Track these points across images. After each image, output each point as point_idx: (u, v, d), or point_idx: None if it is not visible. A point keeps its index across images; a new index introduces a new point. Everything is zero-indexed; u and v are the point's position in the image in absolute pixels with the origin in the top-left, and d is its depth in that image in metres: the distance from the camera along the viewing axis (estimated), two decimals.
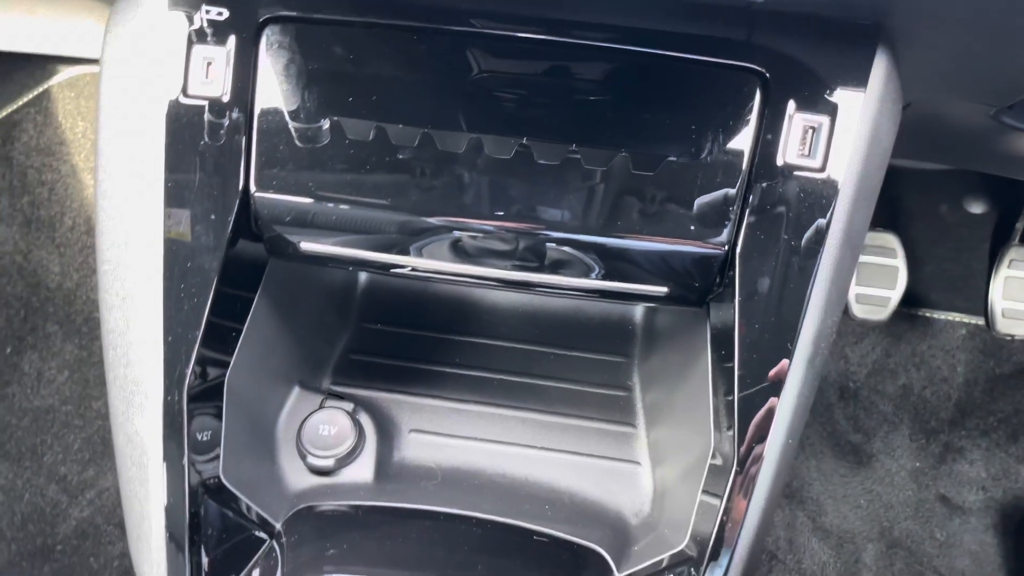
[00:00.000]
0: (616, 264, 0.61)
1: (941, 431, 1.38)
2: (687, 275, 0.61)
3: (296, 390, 0.77)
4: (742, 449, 0.60)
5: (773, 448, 0.60)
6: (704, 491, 0.63)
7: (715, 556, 0.60)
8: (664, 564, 0.62)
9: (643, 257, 0.61)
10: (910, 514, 1.32)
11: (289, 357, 0.76)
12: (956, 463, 1.35)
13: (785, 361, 0.59)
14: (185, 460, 0.60)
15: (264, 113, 0.62)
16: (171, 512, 0.60)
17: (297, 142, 0.62)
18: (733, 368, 0.60)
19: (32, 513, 1.27)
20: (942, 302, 1.41)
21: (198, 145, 0.62)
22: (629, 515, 0.73)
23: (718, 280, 0.62)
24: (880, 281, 1.20)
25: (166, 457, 0.60)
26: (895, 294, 1.20)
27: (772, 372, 0.59)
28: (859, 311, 1.21)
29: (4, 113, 1.48)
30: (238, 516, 0.64)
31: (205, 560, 0.62)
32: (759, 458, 0.60)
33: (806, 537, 1.30)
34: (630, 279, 0.62)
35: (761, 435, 0.60)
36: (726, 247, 0.60)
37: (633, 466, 0.76)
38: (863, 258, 1.21)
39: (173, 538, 0.60)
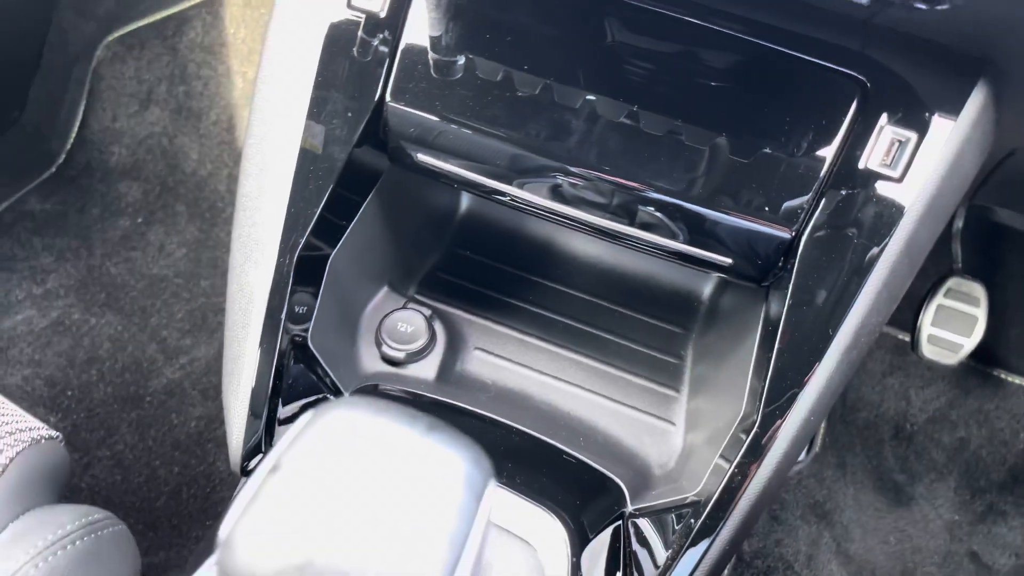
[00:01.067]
0: (694, 230, 0.67)
1: (988, 491, 1.37)
2: (753, 251, 0.67)
3: (385, 289, 0.86)
4: (760, 422, 0.65)
5: (790, 427, 0.65)
6: (721, 455, 0.69)
7: (718, 507, 0.65)
8: (670, 506, 0.69)
9: (718, 228, 0.66)
10: (937, 562, 1.32)
11: (385, 259, 0.85)
12: (996, 525, 1.34)
13: (822, 346, 0.64)
14: (283, 314, 0.69)
15: (411, 35, 0.71)
16: (263, 355, 0.70)
17: (433, 66, 0.71)
18: (775, 347, 0.66)
19: (131, 364, 1.42)
20: (1020, 367, 1.40)
21: (350, 51, 0.71)
22: (654, 466, 0.79)
23: (780, 263, 0.67)
24: (956, 327, 1.21)
25: (269, 307, 0.69)
26: (969, 343, 1.20)
27: (808, 355, 0.64)
28: (928, 351, 1.22)
29: (179, 8, 1.63)
30: (315, 377, 0.73)
31: (281, 404, 0.71)
32: (774, 435, 0.65)
33: (827, 558, 1.33)
34: (703, 246, 0.68)
35: (782, 412, 0.65)
36: (793, 233, 0.65)
37: (668, 425, 0.82)
38: (943, 300, 1.21)
39: (260, 377, 0.70)
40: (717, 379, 0.82)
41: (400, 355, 0.79)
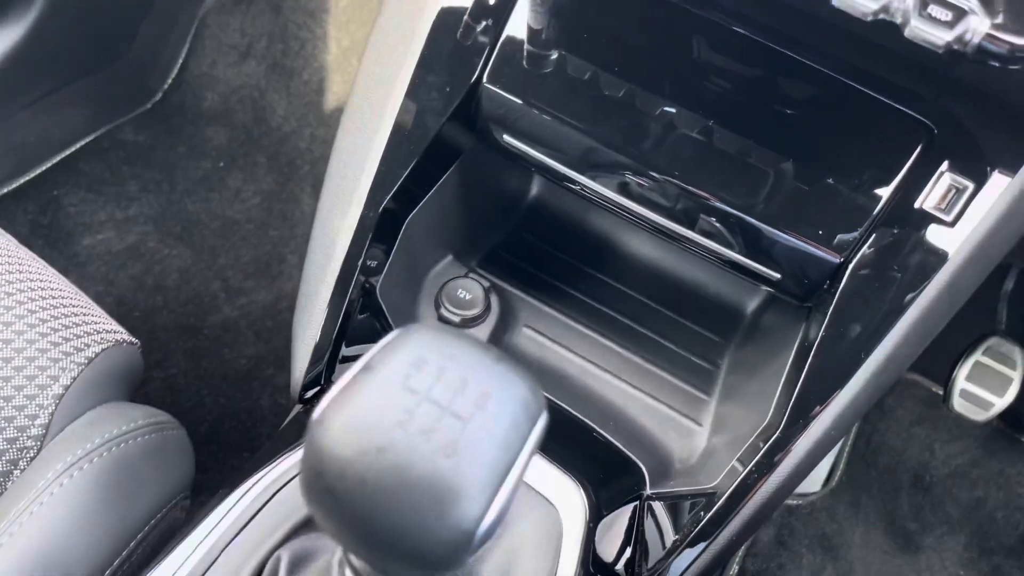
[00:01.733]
0: (750, 242, 0.72)
1: (997, 552, 1.39)
2: (801, 271, 0.71)
3: (449, 258, 0.92)
4: (783, 429, 0.69)
5: (808, 439, 0.69)
6: (739, 458, 0.73)
7: (730, 501, 0.70)
8: (686, 494, 0.73)
9: (773, 244, 0.71)
10: None
11: (453, 230, 0.91)
12: None
13: (852, 368, 0.68)
14: (360, 263, 0.76)
15: (513, 26, 0.76)
16: (336, 296, 0.76)
17: (529, 57, 0.76)
18: (805, 368, 0.70)
19: (194, 297, 1.50)
20: None
21: (455, 33, 0.77)
22: (676, 460, 0.84)
23: (826, 285, 0.71)
24: (990, 385, 1.23)
25: (348, 254, 0.76)
26: (1000, 403, 1.22)
27: (837, 374, 0.68)
28: (959, 405, 1.24)
29: None
30: (378, 326, 0.79)
31: (344, 344, 0.77)
32: (793, 444, 0.69)
33: None
34: (757, 259, 0.72)
35: (805, 424, 0.69)
36: (842, 259, 0.69)
37: (694, 425, 0.86)
38: (981, 357, 1.23)
39: (330, 317, 0.76)
40: (747, 389, 0.86)
41: (456, 319, 0.85)
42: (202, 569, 0.58)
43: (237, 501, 0.63)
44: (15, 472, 0.72)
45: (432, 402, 0.37)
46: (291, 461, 0.66)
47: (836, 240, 0.70)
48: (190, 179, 1.61)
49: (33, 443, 0.72)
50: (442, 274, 0.90)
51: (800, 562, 1.36)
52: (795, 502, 1.39)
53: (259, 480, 0.65)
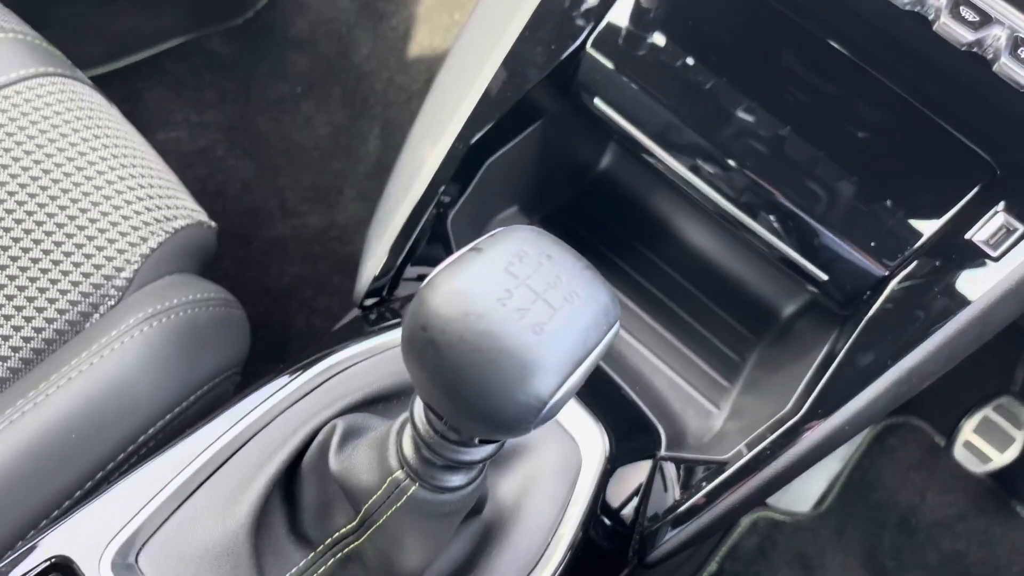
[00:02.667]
0: (805, 240, 0.77)
1: None
2: (848, 275, 0.76)
3: (515, 208, 0.97)
4: (800, 417, 0.74)
5: (821, 431, 0.74)
6: (747, 443, 0.78)
7: (738, 472, 0.75)
8: (698, 460, 0.78)
9: (827, 246, 0.75)
10: None
11: (525, 184, 0.96)
12: None
13: (876, 373, 0.72)
14: (441, 189, 0.81)
15: (623, 2, 0.81)
16: (412, 218, 0.81)
17: (630, 33, 0.81)
18: (827, 373, 0.75)
19: (251, 208, 1.56)
20: None
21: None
22: (690, 436, 0.89)
23: (866, 295, 0.76)
24: (993, 440, 1.27)
25: (432, 181, 0.81)
26: (999, 459, 1.26)
27: (861, 375, 0.73)
28: (959, 454, 1.28)
29: None
30: (444, 253, 0.85)
31: (409, 264, 0.83)
32: (806, 432, 0.74)
33: None
34: (808, 256, 0.77)
35: (823, 415, 0.74)
36: (887, 272, 0.74)
37: (713, 408, 0.91)
38: (990, 412, 1.27)
39: (402, 235, 0.81)
40: (769, 384, 0.91)
41: None
42: (258, 428, 0.64)
43: (295, 377, 0.69)
44: (95, 315, 0.78)
45: (528, 288, 0.42)
46: (349, 351, 0.71)
47: (885, 254, 0.74)
48: (266, 98, 1.67)
49: (116, 292, 0.78)
50: (505, 221, 0.95)
51: (776, 574, 1.41)
52: (783, 518, 1.43)
53: (317, 361, 0.70)
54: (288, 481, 0.64)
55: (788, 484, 1.37)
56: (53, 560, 0.55)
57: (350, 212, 1.59)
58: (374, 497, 0.55)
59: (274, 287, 1.50)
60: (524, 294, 0.42)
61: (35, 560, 0.55)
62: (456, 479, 0.53)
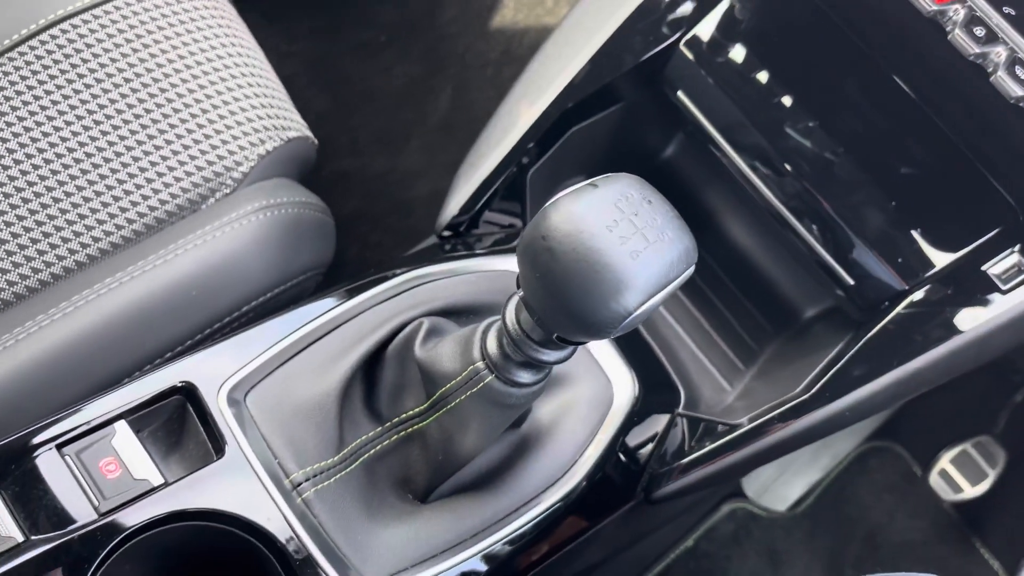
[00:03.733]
0: (840, 246, 0.87)
1: None
2: (872, 284, 0.86)
3: (583, 177, 1.07)
4: (809, 398, 0.84)
5: (824, 412, 0.83)
6: (756, 413, 0.89)
7: (743, 437, 0.85)
8: (711, 419, 0.89)
9: (858, 255, 0.86)
10: None
11: (594, 159, 1.06)
12: None
13: (883, 370, 0.82)
14: (532, 145, 0.91)
15: (719, 10, 0.91)
16: (499, 168, 0.91)
17: (719, 41, 0.92)
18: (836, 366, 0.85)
19: (322, 140, 1.64)
20: (992, 545, 1.54)
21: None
22: (703, 404, 0.99)
23: (884, 306, 0.86)
24: (967, 473, 1.37)
25: (523, 136, 0.91)
26: (970, 492, 1.37)
27: (869, 371, 0.83)
28: (933, 480, 1.39)
29: None
30: (519, 206, 0.95)
31: (488, 209, 0.93)
32: (811, 410, 0.84)
33: None
34: (840, 261, 0.87)
35: (829, 398, 0.84)
36: (908, 287, 0.84)
37: (727, 385, 1.02)
38: (969, 447, 1.38)
39: (487, 182, 0.92)
40: (780, 374, 1.01)
41: None
42: (354, 314, 0.75)
43: (385, 280, 0.79)
44: (211, 199, 0.88)
45: (631, 222, 0.53)
46: (431, 268, 0.82)
47: (908, 271, 0.84)
48: (353, 41, 1.77)
49: (232, 183, 0.89)
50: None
51: (745, 561, 1.51)
52: (760, 512, 1.54)
53: (405, 272, 0.81)
54: (369, 365, 0.75)
55: (773, 483, 1.48)
56: (181, 384, 0.66)
57: (413, 160, 1.69)
58: (453, 382, 0.66)
59: (334, 216, 1.60)
60: (627, 226, 0.52)
61: (164, 382, 0.66)
62: (527, 376, 0.63)
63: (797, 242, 0.91)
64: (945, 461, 1.38)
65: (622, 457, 0.85)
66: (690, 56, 0.91)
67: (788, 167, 0.88)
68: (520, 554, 0.75)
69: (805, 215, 0.89)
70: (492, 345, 0.63)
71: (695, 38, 0.92)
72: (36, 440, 0.61)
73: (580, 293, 0.52)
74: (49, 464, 0.60)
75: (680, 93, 0.93)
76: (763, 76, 0.91)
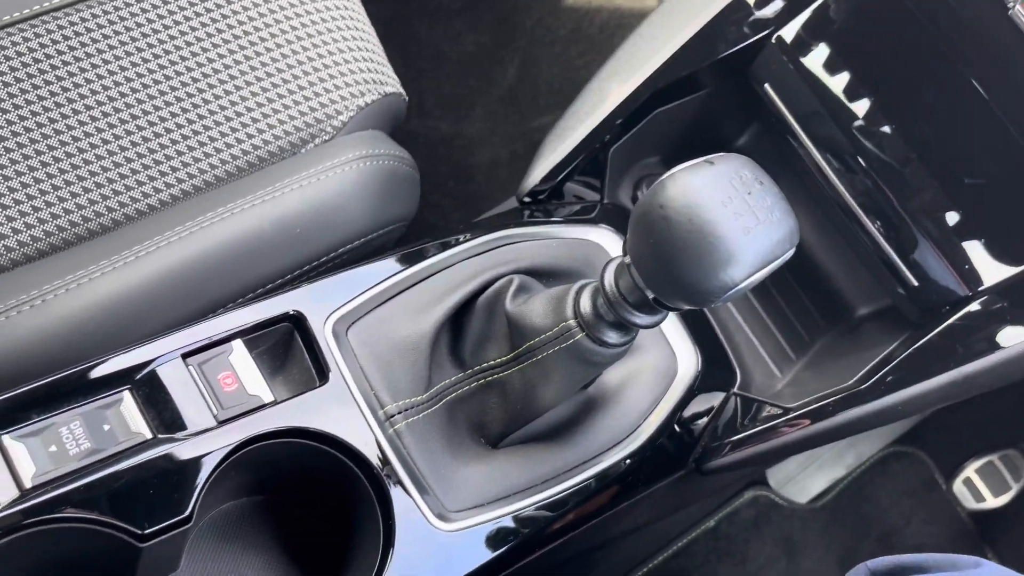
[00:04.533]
0: (908, 248, 0.90)
1: None
2: (935, 287, 0.89)
3: (657, 158, 1.11)
4: (863, 390, 0.88)
5: (875, 406, 0.87)
6: (811, 399, 0.92)
7: (793, 419, 0.89)
8: (764, 400, 0.93)
9: (926, 256, 0.89)
10: None
11: (672, 140, 1.09)
12: None
13: (932, 372, 0.86)
14: (619, 122, 0.95)
15: (812, 10, 0.94)
16: (585, 141, 0.95)
17: (806, 39, 0.95)
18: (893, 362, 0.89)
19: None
20: (1012, 561, 1.58)
21: None
22: (754, 388, 1.03)
23: (945, 310, 0.90)
24: (991, 484, 1.41)
25: (612, 111, 0.95)
26: (992, 502, 1.40)
27: (920, 369, 0.86)
28: (957, 488, 1.43)
29: None
30: (598, 180, 0.99)
31: (570, 180, 0.97)
32: (863, 401, 0.88)
33: None
34: (907, 262, 0.90)
35: (883, 392, 0.87)
36: (969, 294, 0.87)
37: (777, 372, 1.05)
38: (995, 458, 1.41)
39: (574, 153, 0.95)
40: (830, 367, 1.05)
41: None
42: (448, 264, 0.79)
43: (476, 237, 0.84)
44: (310, 144, 0.93)
45: (744, 200, 0.56)
46: (518, 230, 0.86)
47: (973, 279, 0.88)
48: (427, 6, 1.80)
49: (331, 131, 0.93)
50: (649, 167, 1.09)
51: (762, 547, 1.56)
52: (782, 502, 1.58)
53: (494, 231, 0.85)
54: (457, 314, 0.79)
55: (797, 475, 1.52)
56: (292, 312, 0.70)
57: (477, 128, 1.73)
58: (542, 336, 0.70)
59: None
60: (740, 203, 0.56)
61: (277, 308, 0.70)
62: (615, 337, 0.68)
63: (863, 239, 0.94)
64: (971, 470, 1.42)
65: (678, 428, 0.89)
66: (780, 51, 0.94)
67: (863, 163, 0.91)
68: (580, 506, 0.80)
69: (875, 213, 0.92)
70: (586, 305, 0.68)
71: (787, 34, 0.94)
72: (164, 349, 0.65)
73: (691, 262, 0.56)
74: (175, 372, 0.65)
75: (767, 86, 0.96)
76: (847, 75, 0.94)
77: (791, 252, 0.60)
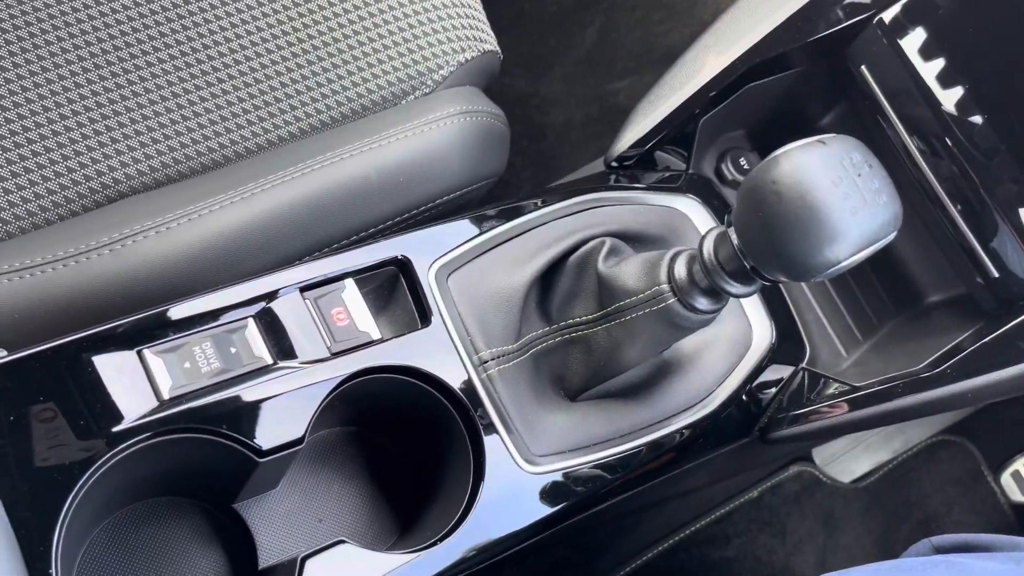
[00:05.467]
0: (989, 236, 0.91)
1: None
2: (1015, 280, 0.90)
3: (742, 132, 1.12)
4: (932, 376, 0.90)
5: (940, 392, 0.89)
6: (880, 379, 0.94)
7: (860, 399, 0.91)
8: (831, 376, 0.95)
9: (1009, 247, 0.90)
10: None
11: (759, 115, 1.11)
12: None
13: (1000, 364, 0.87)
14: (713, 93, 0.96)
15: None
16: (672, 116, 0.96)
17: (904, 22, 0.95)
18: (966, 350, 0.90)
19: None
20: None
21: None
22: (820, 365, 1.05)
23: (1008, 307, 0.91)
24: None
25: (700, 89, 0.96)
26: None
27: (987, 361, 0.87)
28: (1005, 480, 1.45)
29: None
30: (684, 151, 1.01)
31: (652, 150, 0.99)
32: (930, 386, 0.89)
33: (808, 550, 1.59)
34: (988, 252, 0.91)
35: (951, 378, 0.89)
36: None
37: (843, 352, 1.07)
38: None
39: (659, 126, 0.97)
40: (896, 352, 1.06)
41: (729, 178, 1.06)
42: (544, 221, 0.82)
43: (568, 198, 0.86)
44: (410, 96, 0.96)
45: (853, 181, 0.59)
46: (608, 194, 0.89)
47: None
48: None
49: (432, 84, 0.96)
50: (733, 140, 1.11)
51: (803, 521, 1.59)
52: (825, 479, 1.61)
53: (586, 193, 0.88)
54: (548, 270, 0.82)
55: (843, 455, 1.54)
56: (400, 257, 0.74)
57: (553, 88, 1.74)
58: (634, 298, 0.73)
59: None
60: (849, 184, 0.58)
61: (386, 252, 0.74)
62: (705, 303, 0.71)
63: (945, 225, 0.95)
64: (1020, 463, 1.43)
65: (747, 397, 0.92)
66: (880, 34, 0.95)
67: (953, 150, 0.92)
68: (651, 461, 0.83)
69: (960, 200, 0.93)
70: (680, 270, 0.70)
71: (886, 18, 0.95)
72: (284, 281, 0.70)
73: (798, 237, 0.58)
74: (293, 304, 0.69)
75: (864, 68, 0.96)
76: (943, 60, 0.94)
77: (893, 235, 0.62)
